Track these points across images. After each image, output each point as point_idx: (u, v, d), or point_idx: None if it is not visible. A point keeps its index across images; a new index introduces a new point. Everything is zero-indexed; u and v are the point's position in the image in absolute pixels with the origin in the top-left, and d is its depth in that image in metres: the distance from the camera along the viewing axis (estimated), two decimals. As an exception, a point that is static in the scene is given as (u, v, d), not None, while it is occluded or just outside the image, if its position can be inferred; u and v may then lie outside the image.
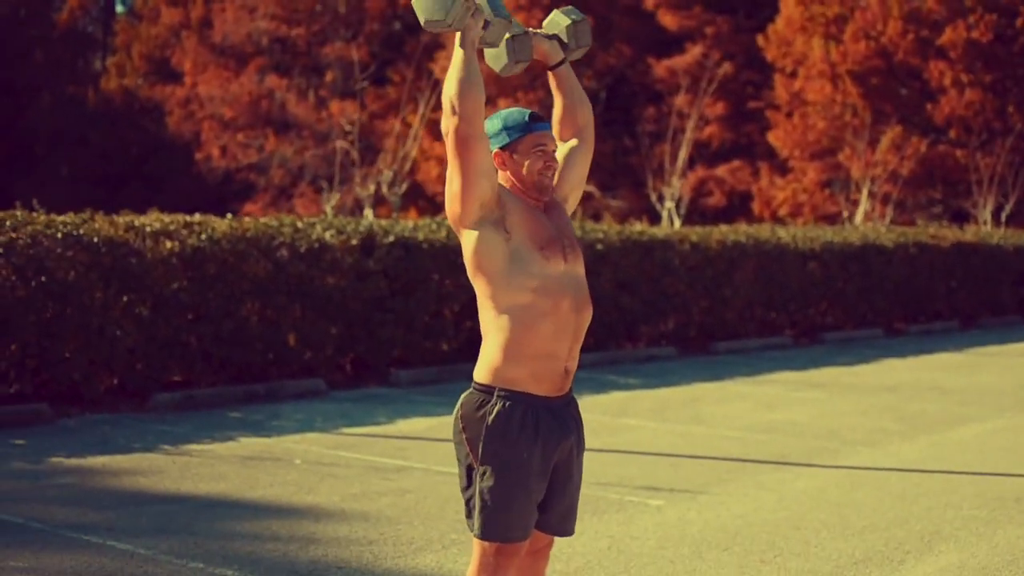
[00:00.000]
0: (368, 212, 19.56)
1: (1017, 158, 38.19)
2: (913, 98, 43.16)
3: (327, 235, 15.12)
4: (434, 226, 16.64)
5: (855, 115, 42.40)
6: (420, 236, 16.03)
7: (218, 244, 13.84)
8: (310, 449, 11.10)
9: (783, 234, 22.91)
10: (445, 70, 44.75)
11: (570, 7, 5.38)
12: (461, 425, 4.92)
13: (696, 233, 21.01)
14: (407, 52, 52.26)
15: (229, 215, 15.51)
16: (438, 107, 23.20)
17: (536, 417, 4.83)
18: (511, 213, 4.82)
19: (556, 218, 5.01)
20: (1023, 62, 41.66)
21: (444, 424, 12.63)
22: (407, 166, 21.91)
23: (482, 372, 4.90)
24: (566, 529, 5.10)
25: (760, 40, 46.13)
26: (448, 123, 4.78)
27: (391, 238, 15.74)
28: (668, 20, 49.14)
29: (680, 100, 36.55)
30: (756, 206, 46.09)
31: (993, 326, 27.01)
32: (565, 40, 5.25)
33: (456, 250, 16.22)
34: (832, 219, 40.38)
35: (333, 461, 10.58)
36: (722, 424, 12.99)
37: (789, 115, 45.04)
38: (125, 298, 13.10)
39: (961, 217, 39.42)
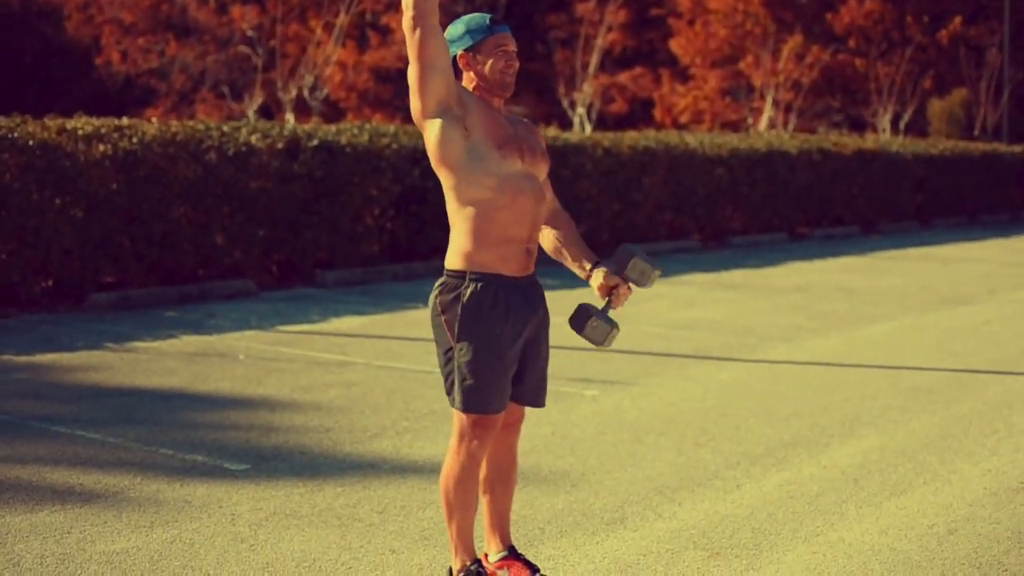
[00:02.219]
0: (289, 117, 19.77)
1: (915, 68, 38.95)
2: (814, 7, 43.77)
3: (253, 139, 15.38)
4: (356, 130, 16.93)
5: (756, 24, 42.96)
6: (343, 140, 16.33)
7: (149, 147, 14.07)
8: (251, 345, 11.47)
9: (691, 140, 23.40)
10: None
11: (655, 260, 5.45)
12: (439, 308, 5.28)
13: (608, 139, 21.43)
14: (310, -44, 52.07)
15: (155, 119, 15.69)
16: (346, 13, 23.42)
17: (506, 296, 5.24)
18: (471, 112, 5.19)
19: (522, 129, 5.41)
20: (922, -27, 42.32)
21: (377, 322, 13.07)
22: (327, 72, 22.11)
23: (453, 259, 5.28)
24: (538, 400, 5.53)
25: (663, -53, 46.45)
26: (405, 18, 5.14)
27: (315, 142, 16.02)
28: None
29: (586, 7, 36.84)
30: (657, 113, 46.61)
31: (892, 231, 27.80)
32: (634, 278, 5.45)
33: (378, 154, 16.54)
34: (733, 127, 41.02)
35: (275, 356, 10.96)
36: (644, 321, 13.49)
37: (691, 23, 45.51)
38: (59, 200, 13.32)
39: (860, 126, 40.21)
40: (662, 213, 21.97)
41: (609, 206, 20.72)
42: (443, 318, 5.26)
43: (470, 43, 5.28)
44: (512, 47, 5.33)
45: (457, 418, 5.30)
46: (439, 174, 5.25)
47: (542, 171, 5.40)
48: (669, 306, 14.77)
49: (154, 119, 15.59)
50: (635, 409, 9.26)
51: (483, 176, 5.16)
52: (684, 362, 11.22)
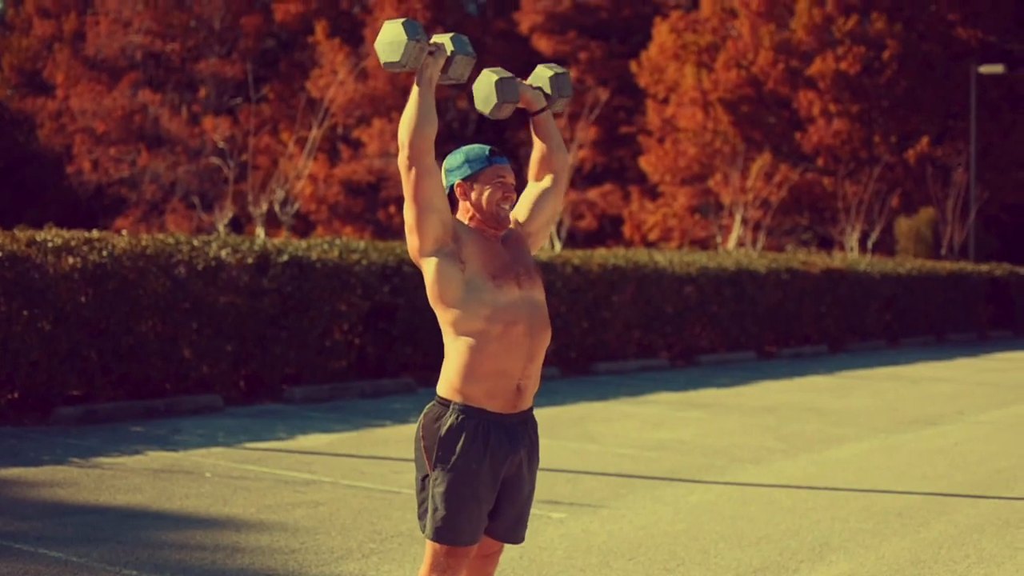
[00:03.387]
0: (260, 231, 19.81)
1: (883, 187, 39.27)
2: (782, 127, 44.20)
3: (223, 253, 15.37)
4: (326, 246, 16.95)
5: (726, 142, 43.34)
6: (313, 255, 16.33)
7: (119, 261, 14.05)
8: (218, 463, 11.38)
9: (661, 258, 23.49)
10: (320, 88, 45.02)
11: (553, 63, 5.84)
12: (421, 433, 5.28)
13: (578, 256, 21.50)
14: (282, 70, 52.44)
15: (125, 232, 15.68)
16: (310, 125, 23.52)
17: (486, 431, 5.21)
18: (466, 245, 5.20)
19: (513, 248, 5.39)
20: (889, 94, 42.80)
21: (344, 440, 12.99)
22: (298, 186, 22.19)
23: (443, 387, 5.28)
24: (516, 537, 5.50)
25: (633, 66, 46.94)
26: (401, 157, 5.17)
27: (285, 257, 16.02)
28: (543, 45, 49.83)
29: (557, 124, 37.12)
30: (627, 230, 46.85)
31: (860, 350, 27.86)
32: (548, 92, 5.69)
33: (348, 269, 16.55)
34: (702, 244, 41.27)
35: (242, 475, 10.88)
36: (612, 442, 13.45)
37: (661, 141, 45.88)
38: (27, 312, 13.26)
39: (828, 243, 40.46)
40: (631, 331, 21.99)
41: (578, 324, 20.73)
42: (423, 444, 5.25)
43: (468, 173, 5.31)
44: (510, 179, 5.35)
45: (429, 547, 5.27)
46: (436, 310, 5.25)
47: (539, 290, 5.39)
48: (638, 426, 14.73)
49: (124, 232, 15.56)
50: (604, 532, 9.19)
51: (479, 307, 5.16)
52: (653, 484, 11.17)
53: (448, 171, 5.34)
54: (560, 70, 5.73)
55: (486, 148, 5.37)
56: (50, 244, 13.71)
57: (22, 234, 13.88)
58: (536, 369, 5.36)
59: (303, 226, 48.05)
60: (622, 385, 18.99)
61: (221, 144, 29.46)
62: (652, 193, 47.25)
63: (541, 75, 5.75)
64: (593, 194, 48.05)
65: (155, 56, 51.50)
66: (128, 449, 11.94)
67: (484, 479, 5.20)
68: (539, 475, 10.92)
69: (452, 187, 5.32)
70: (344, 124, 50.28)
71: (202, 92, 51.05)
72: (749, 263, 25.53)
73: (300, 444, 12.70)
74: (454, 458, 5.16)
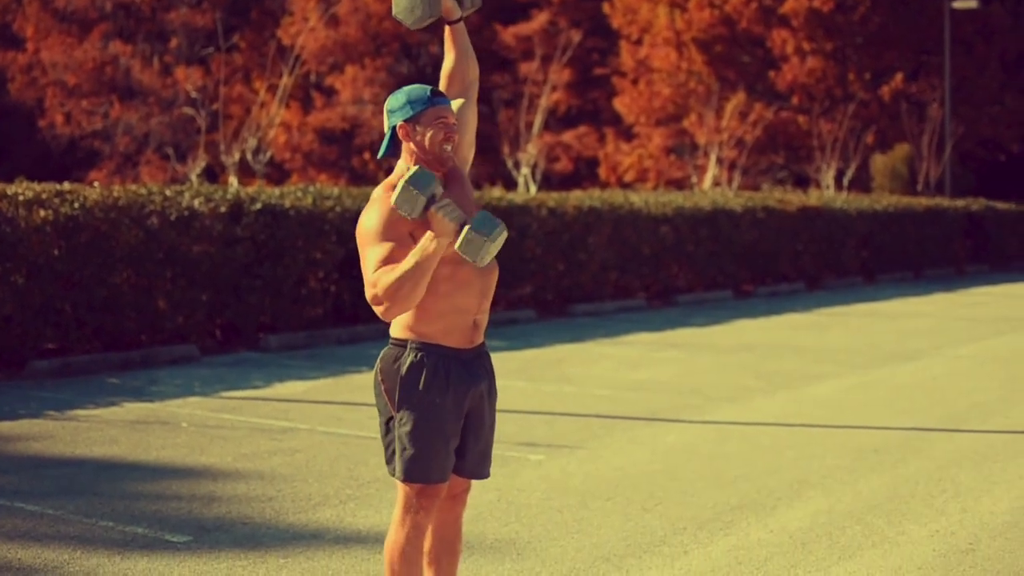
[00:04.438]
0: (233, 180, 19.69)
1: (858, 124, 39.19)
2: (756, 66, 44.10)
3: (196, 203, 15.28)
4: (300, 193, 16.86)
5: (700, 82, 43.22)
6: (287, 203, 16.25)
7: (91, 213, 13.96)
8: (194, 413, 11.35)
9: (636, 199, 23.44)
10: (291, 36, 44.75)
11: None
12: (380, 377, 5.25)
13: (553, 199, 21.44)
14: (253, 18, 52.11)
15: (97, 184, 15.56)
16: (281, 73, 23.36)
17: (447, 367, 5.20)
18: (417, 225, 5.12)
19: (456, 189, 5.34)
20: (863, 30, 42.69)
21: (321, 387, 12.97)
22: (271, 134, 22.07)
23: (396, 329, 5.25)
24: (482, 472, 5.47)
25: (606, 7, 46.71)
26: (370, 296, 5.06)
27: (258, 205, 15.94)
28: (514, -13, 49.51)
29: (530, 67, 36.96)
30: (602, 171, 46.74)
31: (837, 287, 27.89)
32: (460, 0, 5.63)
33: (321, 217, 16.48)
34: (678, 184, 41.18)
35: (219, 424, 10.85)
36: (589, 383, 13.44)
37: (635, 82, 45.72)
38: (-1, 266, 13.20)
39: (804, 182, 40.39)
40: (608, 272, 21.96)
41: (554, 266, 20.71)
42: (384, 387, 5.23)
43: (410, 113, 5.23)
44: (452, 119, 5.27)
45: (401, 489, 5.24)
46: None
47: None
48: (615, 367, 14.72)
49: (96, 184, 15.45)
50: (581, 473, 9.19)
51: None
52: (631, 424, 11.17)
53: (390, 112, 5.27)
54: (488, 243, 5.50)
55: (427, 88, 5.30)
56: (21, 197, 13.60)
57: (-9, 187, 13.78)
58: (488, 305, 5.35)
59: (278, 175, 47.86)
60: (599, 326, 18.99)
61: (194, 94, 29.24)
62: (627, 134, 47.12)
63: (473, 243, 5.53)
64: (568, 136, 47.91)
65: (125, 7, 51.09)
66: (104, 401, 11.90)
67: (448, 414, 5.18)
68: (517, 417, 10.97)
69: (394, 128, 5.26)
70: (317, 72, 50.02)
71: (173, 42, 50.69)
72: (725, 202, 25.50)
73: (277, 392, 12.67)
74: (417, 396, 5.14)
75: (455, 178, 5.39)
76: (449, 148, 5.25)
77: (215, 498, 8.28)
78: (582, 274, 21.31)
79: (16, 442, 10.04)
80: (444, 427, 5.18)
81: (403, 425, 5.17)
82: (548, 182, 41.98)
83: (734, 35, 43.90)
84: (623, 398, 12.53)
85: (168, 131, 45.67)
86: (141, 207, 14.60)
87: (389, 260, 5.02)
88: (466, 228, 4.94)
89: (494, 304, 19.74)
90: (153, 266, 14.59)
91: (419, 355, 5.18)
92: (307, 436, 10.40)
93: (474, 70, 5.66)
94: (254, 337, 15.92)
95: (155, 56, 50.26)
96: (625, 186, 43.34)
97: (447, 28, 5.61)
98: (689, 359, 15.51)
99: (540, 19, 48.11)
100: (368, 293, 5.06)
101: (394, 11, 5.57)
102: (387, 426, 5.27)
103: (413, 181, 4.91)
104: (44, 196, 13.82)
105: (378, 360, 5.29)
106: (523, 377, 13.64)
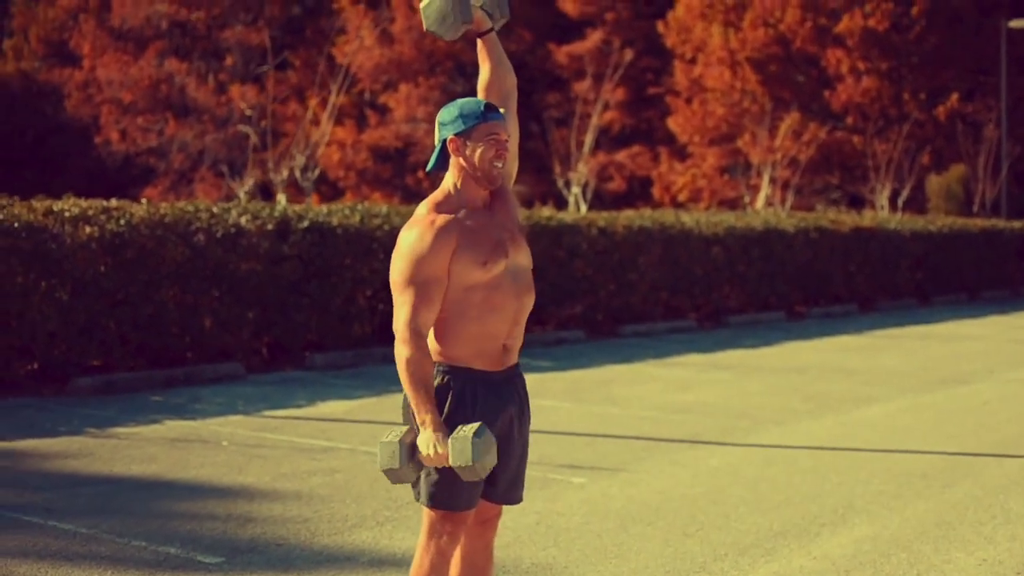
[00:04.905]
0: (281, 197, 19.69)
1: (912, 144, 38.92)
2: (811, 85, 43.86)
3: (243, 220, 15.26)
4: (347, 211, 16.81)
5: (754, 101, 43.03)
6: (334, 221, 16.21)
7: (137, 229, 13.95)
8: (235, 431, 11.29)
9: (687, 219, 23.30)
10: (345, 54, 44.83)
11: None
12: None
13: (603, 218, 21.33)
14: (308, 37, 52.27)
15: (144, 201, 15.55)
16: (336, 92, 23.33)
17: (474, 390, 5.06)
18: (459, 248, 5.00)
19: (500, 210, 5.18)
20: (918, 50, 42.41)
21: (364, 406, 12.88)
22: (320, 151, 22.05)
23: (424, 351, 5.14)
24: (513, 497, 5.32)
25: (660, 27, 46.61)
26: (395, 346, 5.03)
27: (305, 223, 15.90)
28: (569, 6, 49.50)
29: (581, 86, 36.85)
30: (656, 191, 46.60)
31: (890, 309, 27.63)
32: (490, 11, 5.49)
33: (369, 235, 16.43)
34: (732, 204, 40.99)
35: (259, 443, 10.78)
36: (635, 405, 13.31)
37: (689, 101, 45.59)
38: (45, 283, 13.19)
39: (858, 202, 40.13)
40: (658, 293, 21.83)
41: (604, 286, 20.59)
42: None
43: (462, 128, 5.09)
44: (504, 136, 5.11)
45: (426, 514, 5.13)
46: None
47: (524, 253, 5.21)
48: (662, 389, 14.58)
49: (144, 200, 15.44)
50: (623, 497, 9.06)
51: (460, 285, 4.99)
52: (675, 447, 11.03)
53: (442, 124, 5.13)
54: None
55: (481, 103, 5.15)
56: (67, 214, 13.61)
57: (39, 204, 13.78)
58: (521, 329, 5.20)
59: (332, 192, 47.98)
60: (648, 347, 18.85)
61: (248, 112, 29.31)
62: (681, 154, 46.97)
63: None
64: (622, 156, 47.81)
65: (180, 25, 51.40)
66: (145, 419, 11.86)
67: None
68: (560, 439, 10.84)
69: (445, 141, 5.13)
70: (371, 90, 50.15)
71: (228, 60, 50.91)
72: (777, 223, 25.32)
73: (319, 411, 12.60)
74: (444, 419, 5.02)
75: (501, 196, 5.26)
76: (500, 165, 5.12)
77: (250, 518, 8.20)
78: (632, 294, 21.18)
79: (54, 459, 10.00)
80: (471, 453, 5.07)
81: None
82: (601, 201, 41.89)
83: (788, 54, 43.69)
84: (668, 420, 12.39)
85: (222, 148, 45.81)
86: (187, 224, 14.58)
87: (422, 302, 4.90)
88: (450, 439, 4.87)
89: (543, 324, 19.68)
90: (199, 283, 14.57)
91: (446, 378, 5.06)
92: (347, 456, 10.31)
93: (511, 80, 5.50)
94: (300, 355, 15.88)
95: (210, 74, 50.47)
96: (678, 206, 43.19)
97: (479, 41, 5.48)
98: (737, 381, 15.35)
99: (594, 38, 48.03)
100: (396, 338, 4.97)
101: (425, 25, 5.45)
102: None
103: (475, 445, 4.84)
104: (91, 212, 13.83)
105: None
106: (569, 398, 13.51)
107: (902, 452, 10.91)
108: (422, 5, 5.39)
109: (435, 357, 5.08)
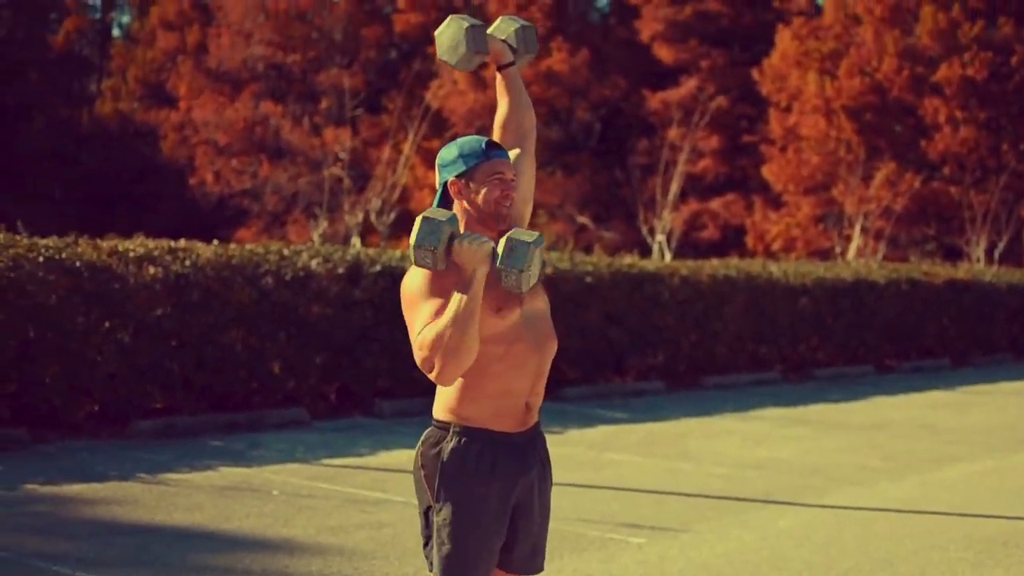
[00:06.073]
0: (356, 241, 19.45)
1: (1011, 196, 38.18)
2: (907, 134, 43.17)
3: (313, 263, 14.98)
4: (422, 255, 16.47)
5: (849, 151, 42.36)
6: (407, 266, 15.91)
7: (202, 271, 13.71)
8: (289, 480, 10.96)
9: (774, 269, 22.81)
10: (438, 99, 44.79)
11: (514, 16, 5.28)
12: (420, 462, 4.79)
13: (686, 267, 20.90)
14: (401, 80, 52.30)
15: (216, 241, 15.31)
16: (430, 136, 23.12)
17: (493, 454, 4.69)
18: None
19: None
20: (1018, 100, 41.65)
21: (426, 456, 12.47)
22: (396, 195, 21.81)
23: (440, 410, 4.77)
24: (533, 567, 4.93)
25: (755, 74, 46.17)
26: (419, 359, 4.62)
27: (377, 267, 15.61)
28: (664, 53, 49.14)
29: (673, 133, 36.47)
30: (750, 240, 46.02)
31: (984, 364, 26.89)
32: (514, 45, 5.14)
33: (444, 280, 16.10)
34: (825, 254, 40.30)
35: (311, 492, 10.44)
36: (709, 460, 12.85)
37: (783, 149, 45.03)
38: (107, 323, 12.96)
39: (954, 254, 39.33)
40: (743, 344, 21.31)
41: (687, 336, 20.12)
42: (423, 473, 4.74)
43: (463, 168, 4.73)
44: (510, 175, 4.75)
45: (437, 585, 4.76)
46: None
47: (541, 299, 4.83)
48: (738, 444, 14.10)
49: (215, 242, 15.19)
50: (682, 559, 8.62)
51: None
52: (744, 506, 10.57)
53: (441, 166, 4.77)
54: (525, 23, 5.14)
55: (482, 140, 4.77)
56: (132, 254, 13.38)
57: (105, 243, 13.58)
58: (543, 385, 4.81)
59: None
60: (729, 400, 18.35)
61: (342, 155, 29.18)
62: (775, 203, 46.35)
63: (506, 28, 5.16)
64: (715, 204, 47.27)
65: (276, 67, 51.62)
66: (200, 464, 11.56)
67: (492, 508, 4.68)
68: (625, 495, 10.41)
69: (445, 184, 4.77)
70: (464, 134, 50.01)
71: (323, 103, 51.01)
72: (868, 274, 24.72)
73: (380, 460, 12.25)
74: (458, 485, 4.65)
75: None
76: (508, 205, 4.76)
77: (288, 574, 7.85)
78: (716, 345, 20.69)
79: (96, 505, 9.71)
80: (487, 523, 4.68)
81: (442, 518, 4.69)
82: (696, 250, 41.40)
83: (885, 103, 43.02)
84: (741, 477, 11.92)
85: (315, 191, 45.81)
86: (256, 266, 14.32)
87: (437, 316, 4.54)
88: (504, 238, 4.47)
89: (623, 374, 19.24)
90: (267, 326, 14.29)
91: (462, 440, 4.69)
92: (399, 509, 9.94)
93: (530, 119, 5.13)
94: (369, 402, 15.55)
95: (304, 116, 50.56)
96: (771, 255, 42.58)
97: (498, 74, 5.12)
98: (816, 437, 14.84)
99: (688, 85, 47.59)
100: (417, 358, 4.58)
101: (438, 53, 5.12)
102: (425, 516, 4.80)
103: (427, 217, 4.48)
104: (156, 253, 13.60)
105: (419, 443, 4.81)
106: (641, 452, 13.06)
107: (984, 517, 10.39)
108: (436, 32, 5.06)
109: (450, 417, 4.72)
